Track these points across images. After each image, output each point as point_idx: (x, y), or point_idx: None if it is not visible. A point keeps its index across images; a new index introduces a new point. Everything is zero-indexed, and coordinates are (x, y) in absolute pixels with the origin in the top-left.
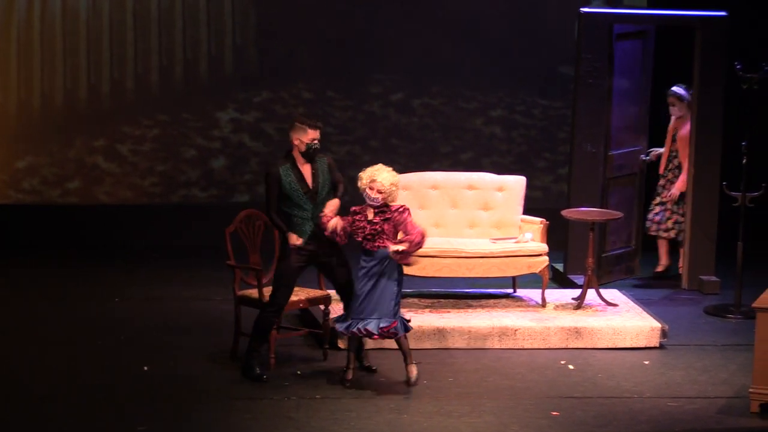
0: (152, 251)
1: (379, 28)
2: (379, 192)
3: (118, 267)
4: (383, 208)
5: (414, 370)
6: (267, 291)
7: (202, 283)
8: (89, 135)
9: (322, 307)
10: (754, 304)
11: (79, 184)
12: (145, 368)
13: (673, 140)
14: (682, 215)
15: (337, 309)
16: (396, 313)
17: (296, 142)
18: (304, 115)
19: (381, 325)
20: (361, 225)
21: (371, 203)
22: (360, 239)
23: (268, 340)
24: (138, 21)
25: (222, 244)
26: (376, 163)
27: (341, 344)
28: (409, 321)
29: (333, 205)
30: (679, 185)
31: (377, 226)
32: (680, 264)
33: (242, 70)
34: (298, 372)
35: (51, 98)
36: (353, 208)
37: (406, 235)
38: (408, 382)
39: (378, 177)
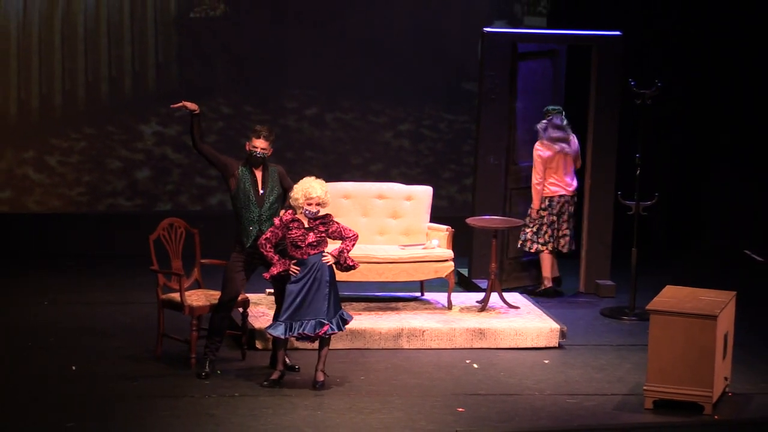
0: (78, 258)
1: (293, 47)
2: (318, 205)
3: (47, 272)
4: (320, 216)
5: (321, 376)
6: (188, 295)
7: (127, 287)
8: (19, 147)
9: (240, 309)
10: (647, 307)
11: (9, 193)
12: (74, 368)
13: None
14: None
15: (254, 311)
16: (333, 314)
17: (248, 149)
18: (258, 123)
19: (317, 330)
20: (300, 234)
21: (310, 215)
22: (303, 247)
23: (221, 339)
24: (65, 40)
25: (146, 251)
26: (292, 174)
27: (259, 345)
28: (348, 321)
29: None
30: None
31: (322, 234)
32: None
33: (164, 86)
34: (218, 371)
35: None
36: (283, 218)
37: (345, 238)
38: (314, 385)
39: (314, 192)
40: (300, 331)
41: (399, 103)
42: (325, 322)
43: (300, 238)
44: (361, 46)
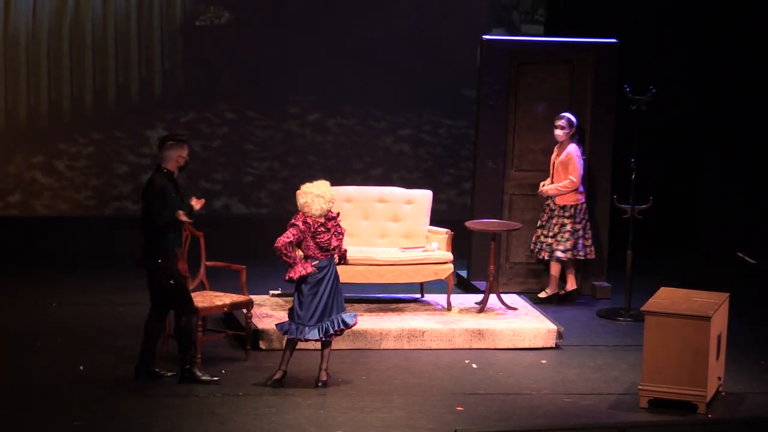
0: (85, 260)
1: (296, 54)
2: (331, 202)
3: (55, 274)
4: (332, 216)
5: (324, 376)
6: (193, 296)
7: (133, 289)
8: (28, 152)
9: (244, 311)
10: (642, 308)
11: (19, 197)
12: (81, 368)
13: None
14: (549, 237)
15: (258, 312)
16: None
17: (177, 158)
18: (177, 132)
19: (345, 324)
20: (327, 237)
21: (328, 217)
22: (330, 249)
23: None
24: (73, 47)
25: None
26: (295, 178)
27: (262, 345)
28: (350, 324)
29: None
30: (552, 191)
31: (341, 234)
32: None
33: (170, 92)
34: (223, 371)
35: None
36: (309, 222)
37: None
38: (317, 384)
39: (330, 192)
40: (335, 329)
41: (399, 109)
42: (346, 312)
43: (327, 241)
44: (363, 53)
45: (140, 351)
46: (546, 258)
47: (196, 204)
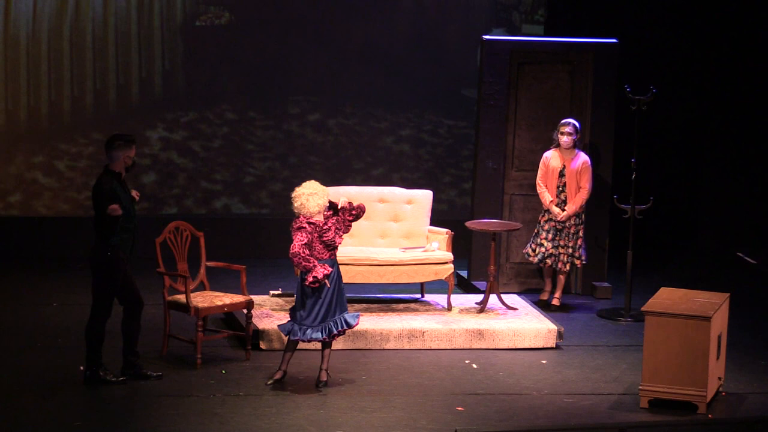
0: (85, 260)
1: (297, 55)
2: (326, 196)
3: (55, 274)
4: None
5: (324, 376)
6: (193, 296)
7: None
8: (29, 152)
9: (245, 311)
10: (643, 308)
11: (19, 197)
12: (81, 368)
13: (561, 174)
14: (570, 246)
15: (258, 313)
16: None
17: (125, 159)
18: (123, 133)
19: (348, 324)
20: (333, 235)
21: (326, 213)
22: (337, 247)
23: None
24: (74, 48)
25: (152, 253)
26: (295, 178)
27: (263, 345)
28: (352, 325)
29: None
30: (572, 210)
31: (338, 226)
32: (556, 294)
33: (170, 92)
34: (223, 371)
35: None
36: (316, 223)
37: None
38: (317, 384)
39: (322, 188)
40: (338, 329)
41: (400, 109)
42: (348, 312)
43: (332, 239)
44: (363, 53)
45: (123, 353)
46: (568, 268)
47: (136, 196)
